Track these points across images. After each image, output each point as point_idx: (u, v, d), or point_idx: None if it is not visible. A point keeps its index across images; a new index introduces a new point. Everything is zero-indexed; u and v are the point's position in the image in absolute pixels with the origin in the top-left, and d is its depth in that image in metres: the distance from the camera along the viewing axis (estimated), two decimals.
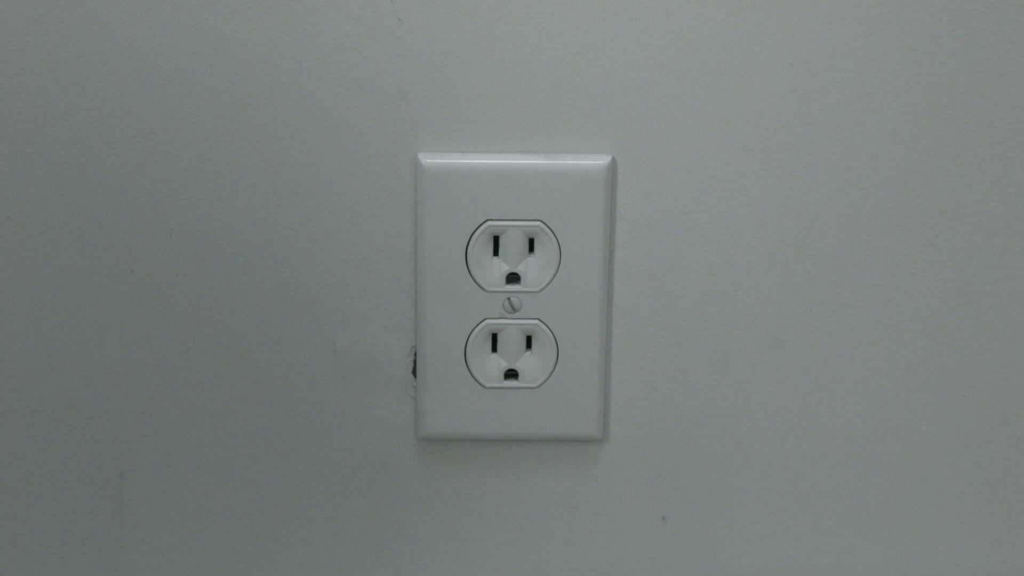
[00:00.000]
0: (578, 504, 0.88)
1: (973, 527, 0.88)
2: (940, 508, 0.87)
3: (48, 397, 0.85)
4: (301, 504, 0.87)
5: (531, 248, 0.82)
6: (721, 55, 0.80)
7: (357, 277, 0.83)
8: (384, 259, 0.83)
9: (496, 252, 0.82)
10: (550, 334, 0.83)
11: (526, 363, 0.84)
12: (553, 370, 0.84)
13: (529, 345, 0.84)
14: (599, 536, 0.88)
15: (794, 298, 0.84)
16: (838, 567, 0.88)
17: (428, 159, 0.81)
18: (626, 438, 0.86)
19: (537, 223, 0.82)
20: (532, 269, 0.82)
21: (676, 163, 0.81)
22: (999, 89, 0.80)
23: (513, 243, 0.82)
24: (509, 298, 0.83)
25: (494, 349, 0.84)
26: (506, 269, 0.82)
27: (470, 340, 0.83)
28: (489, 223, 0.82)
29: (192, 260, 0.83)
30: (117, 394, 0.85)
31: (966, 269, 0.83)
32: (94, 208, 0.82)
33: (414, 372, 0.85)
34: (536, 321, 0.83)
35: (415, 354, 0.84)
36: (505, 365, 0.84)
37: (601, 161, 0.81)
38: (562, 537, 0.87)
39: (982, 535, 0.88)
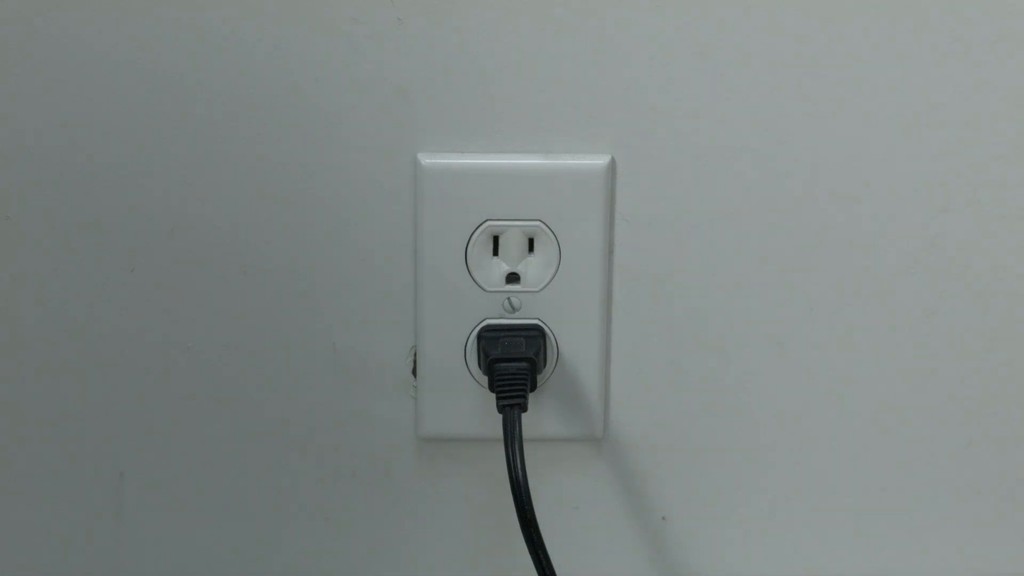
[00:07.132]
0: (578, 504, 0.87)
1: (973, 527, 0.88)
2: (940, 508, 0.87)
3: (48, 397, 0.85)
4: (301, 504, 0.87)
5: (531, 248, 0.82)
6: (721, 55, 0.80)
7: (357, 277, 0.83)
8: (384, 259, 0.83)
9: (496, 252, 0.82)
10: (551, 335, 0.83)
11: None
12: (553, 369, 0.84)
13: None
14: (599, 536, 0.88)
15: (794, 298, 0.84)
16: (838, 567, 0.88)
17: (428, 159, 0.81)
18: (626, 438, 0.86)
19: (537, 223, 0.82)
20: (532, 269, 0.82)
21: (676, 163, 0.81)
22: (999, 89, 0.80)
23: (513, 243, 0.82)
24: (509, 298, 0.83)
25: None
26: (506, 269, 0.82)
27: (470, 340, 0.83)
28: (489, 223, 0.82)
29: (192, 260, 0.83)
30: (117, 394, 0.85)
31: (966, 269, 0.83)
32: (94, 208, 0.82)
33: (414, 372, 0.85)
34: (536, 321, 0.83)
35: (415, 354, 0.84)
36: None
37: (600, 161, 0.81)
38: (562, 537, 0.87)
39: (982, 535, 0.88)
